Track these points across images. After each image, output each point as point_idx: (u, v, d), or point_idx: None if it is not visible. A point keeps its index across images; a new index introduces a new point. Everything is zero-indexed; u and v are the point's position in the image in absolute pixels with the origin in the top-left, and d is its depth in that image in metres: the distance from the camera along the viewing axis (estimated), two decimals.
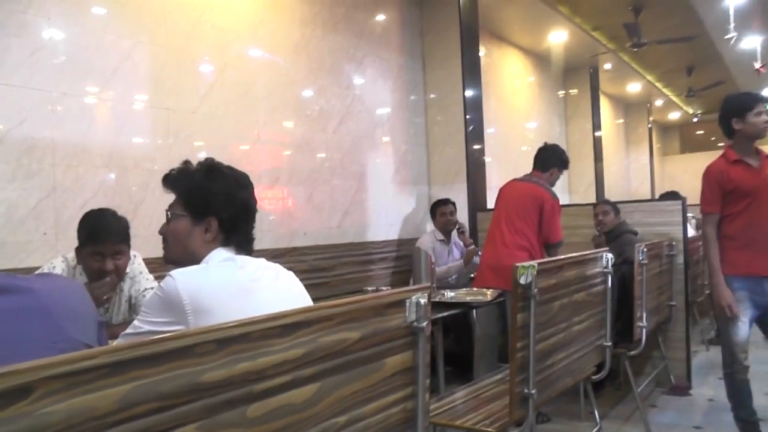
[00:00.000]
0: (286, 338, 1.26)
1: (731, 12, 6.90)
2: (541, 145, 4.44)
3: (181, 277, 1.50)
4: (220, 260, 1.66)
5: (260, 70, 4.53)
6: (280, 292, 1.66)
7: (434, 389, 3.47)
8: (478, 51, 6.29)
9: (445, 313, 3.41)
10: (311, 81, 4.93)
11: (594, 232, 4.90)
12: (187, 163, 1.80)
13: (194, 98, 4.05)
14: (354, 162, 5.28)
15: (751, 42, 8.52)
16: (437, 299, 3.60)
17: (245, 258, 1.69)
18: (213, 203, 1.72)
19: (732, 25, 6.93)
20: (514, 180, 4.41)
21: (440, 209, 5.30)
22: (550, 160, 4.31)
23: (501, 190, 4.41)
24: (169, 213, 1.79)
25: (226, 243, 1.72)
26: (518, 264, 2.24)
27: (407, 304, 1.57)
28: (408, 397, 1.62)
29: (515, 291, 2.24)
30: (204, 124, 4.09)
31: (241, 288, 1.58)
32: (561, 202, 4.27)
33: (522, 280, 2.21)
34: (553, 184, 4.32)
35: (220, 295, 1.53)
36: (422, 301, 1.58)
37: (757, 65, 8.57)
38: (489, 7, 6.51)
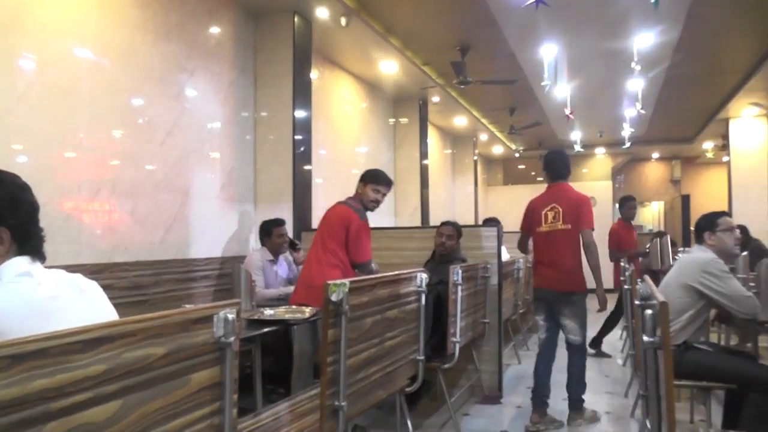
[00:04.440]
0: (87, 354, 1.24)
1: (545, 63, 7.56)
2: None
3: None
4: (15, 274, 1.55)
5: (85, 73, 4.29)
6: (83, 311, 1.60)
7: (251, 407, 3.46)
8: (309, 73, 6.41)
9: (263, 330, 3.42)
10: (139, 89, 4.76)
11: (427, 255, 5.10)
12: None
13: (11, 97, 3.76)
14: (180, 176, 5.16)
15: (562, 90, 9.37)
16: (256, 317, 3.60)
17: (43, 272, 1.61)
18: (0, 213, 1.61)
19: (546, 74, 7.57)
20: (337, 202, 4.53)
21: (276, 230, 5.27)
22: (362, 178, 4.42)
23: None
24: None
25: (21, 251, 1.61)
26: (330, 282, 2.32)
27: (215, 319, 1.57)
28: (214, 413, 1.62)
29: (326, 308, 2.31)
30: (22, 126, 3.81)
31: (38, 308, 1.50)
32: (387, 225, 4.44)
33: (333, 297, 2.29)
34: (370, 202, 4.35)
35: (14, 317, 1.44)
36: (230, 316, 1.58)
37: (567, 111, 9.49)
38: (323, 31, 6.64)
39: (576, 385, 4.56)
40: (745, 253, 4.89)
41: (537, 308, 4.78)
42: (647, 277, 2.86)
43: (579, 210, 4.56)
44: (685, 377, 3.50)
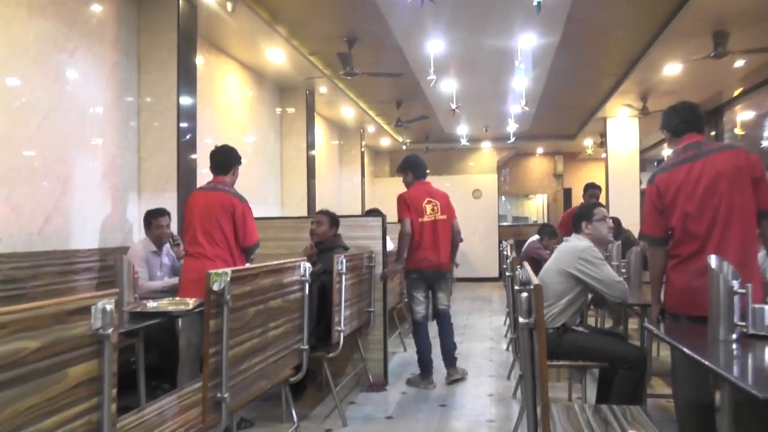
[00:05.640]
0: None
1: (432, 58, 7.69)
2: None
3: None
4: None
5: None
6: None
7: (136, 403, 3.38)
8: (195, 58, 6.22)
9: (146, 323, 3.34)
10: (13, 68, 4.46)
11: (307, 245, 5.11)
12: None
13: None
14: (60, 162, 4.89)
15: (449, 85, 9.59)
16: (139, 309, 3.50)
17: None
18: None
19: (432, 69, 7.71)
20: (200, 190, 4.50)
21: (156, 221, 5.11)
22: (230, 160, 4.53)
23: (189, 202, 4.45)
24: None
25: None
26: (211, 271, 2.31)
27: (92, 310, 1.53)
28: (93, 409, 1.59)
29: (208, 298, 2.29)
30: None
31: None
32: (274, 215, 4.46)
33: (215, 287, 2.28)
34: (234, 182, 4.54)
35: None
36: (108, 307, 1.54)
37: (453, 106, 9.72)
38: (209, 16, 6.46)
39: (451, 344, 5.46)
40: (618, 242, 5.30)
41: (417, 287, 5.43)
42: (526, 264, 3.02)
43: (449, 203, 5.58)
44: (563, 358, 3.76)
